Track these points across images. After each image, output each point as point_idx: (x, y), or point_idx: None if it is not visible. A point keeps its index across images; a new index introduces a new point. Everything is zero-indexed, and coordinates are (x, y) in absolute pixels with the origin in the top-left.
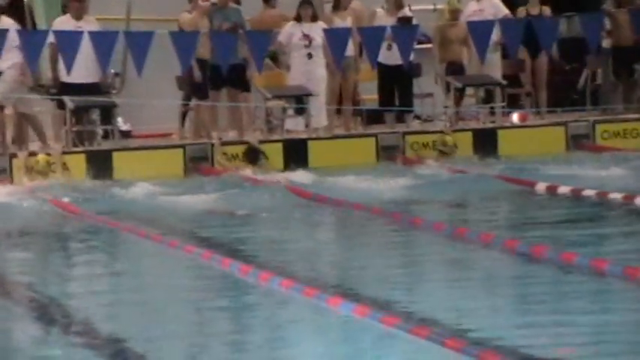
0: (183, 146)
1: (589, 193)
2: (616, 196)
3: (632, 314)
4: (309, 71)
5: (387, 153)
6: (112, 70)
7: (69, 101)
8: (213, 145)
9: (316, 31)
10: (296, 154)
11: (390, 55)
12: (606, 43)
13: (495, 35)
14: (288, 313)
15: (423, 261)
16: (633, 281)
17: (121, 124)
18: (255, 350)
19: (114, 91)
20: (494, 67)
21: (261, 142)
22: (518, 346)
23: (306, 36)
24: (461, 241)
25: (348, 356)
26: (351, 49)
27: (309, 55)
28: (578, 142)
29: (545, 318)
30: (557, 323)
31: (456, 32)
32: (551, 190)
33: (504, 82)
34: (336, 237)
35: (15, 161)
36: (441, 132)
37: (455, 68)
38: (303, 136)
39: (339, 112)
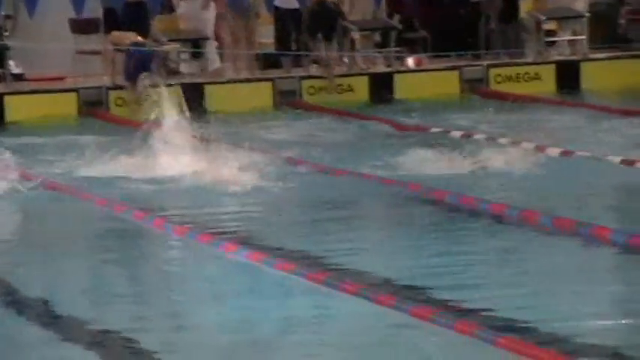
0: (76, 90)
1: (479, 137)
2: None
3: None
4: (195, 14)
5: (284, 97)
6: (3, 13)
7: None
8: (108, 89)
9: None
10: (193, 98)
11: None
12: None
13: None
14: (184, 259)
15: (322, 205)
16: (530, 225)
17: (13, 67)
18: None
19: (5, 34)
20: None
21: (157, 86)
22: (419, 287)
23: None
24: (362, 184)
25: (245, 296)
26: None
27: None
28: (472, 86)
29: (435, 255)
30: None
31: None
32: (445, 134)
33: (399, 27)
34: (238, 185)
35: None
36: None
37: None
38: (200, 80)
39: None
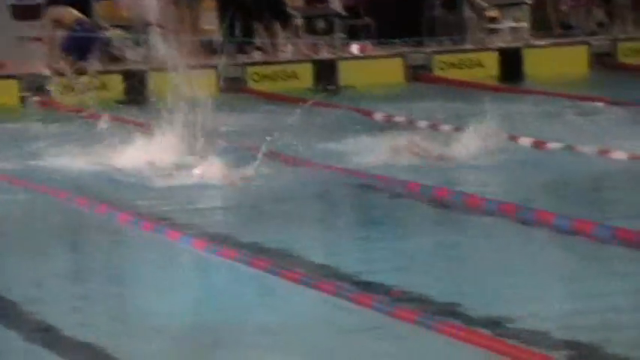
0: (18, 77)
1: (422, 123)
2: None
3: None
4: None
5: (229, 84)
6: None
7: None
8: (50, 75)
9: None
10: (137, 85)
11: None
12: None
13: None
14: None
15: (268, 193)
16: (475, 210)
17: None
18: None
19: None
20: None
21: (101, 72)
22: (357, 272)
23: None
24: (307, 172)
25: (191, 285)
26: None
27: None
28: (417, 73)
29: (379, 243)
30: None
31: None
32: (387, 119)
33: (344, 13)
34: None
35: None
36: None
37: None
38: (143, 67)
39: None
